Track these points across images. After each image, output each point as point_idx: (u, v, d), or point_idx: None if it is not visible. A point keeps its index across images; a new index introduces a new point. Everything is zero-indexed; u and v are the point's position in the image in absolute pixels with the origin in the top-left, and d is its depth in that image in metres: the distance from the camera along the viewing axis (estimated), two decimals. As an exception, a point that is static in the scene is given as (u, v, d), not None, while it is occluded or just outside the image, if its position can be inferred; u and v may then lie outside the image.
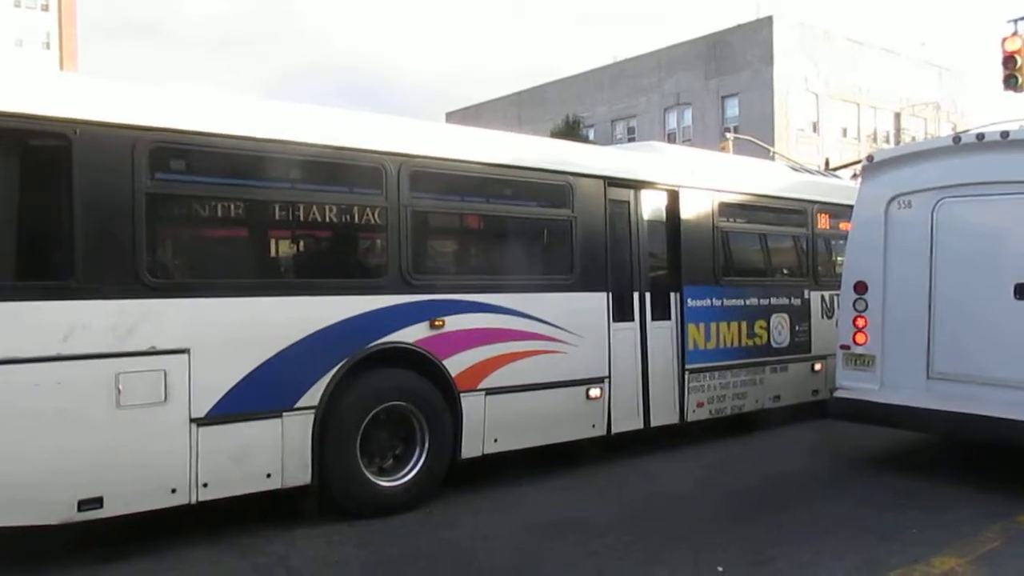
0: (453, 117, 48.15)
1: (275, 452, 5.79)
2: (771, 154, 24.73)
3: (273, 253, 6.50)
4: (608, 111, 42.31)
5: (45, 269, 5.16)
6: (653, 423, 8.24)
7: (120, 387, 5.14)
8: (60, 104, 5.12)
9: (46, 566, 5.22)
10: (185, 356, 5.40)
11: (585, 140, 37.19)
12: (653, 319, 8.33)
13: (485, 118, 41.66)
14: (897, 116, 40.56)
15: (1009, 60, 15.66)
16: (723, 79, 37.24)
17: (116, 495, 5.16)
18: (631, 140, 38.41)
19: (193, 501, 5.45)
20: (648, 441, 8.38)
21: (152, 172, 5.42)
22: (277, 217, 6.21)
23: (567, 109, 42.43)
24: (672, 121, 39.86)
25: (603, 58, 70.22)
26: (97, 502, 5.09)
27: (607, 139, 39.45)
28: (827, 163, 25.08)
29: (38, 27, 58.33)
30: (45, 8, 58.79)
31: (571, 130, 39.19)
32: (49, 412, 4.93)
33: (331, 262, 6.69)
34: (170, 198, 5.70)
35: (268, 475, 5.77)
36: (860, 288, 7.74)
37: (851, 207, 8.25)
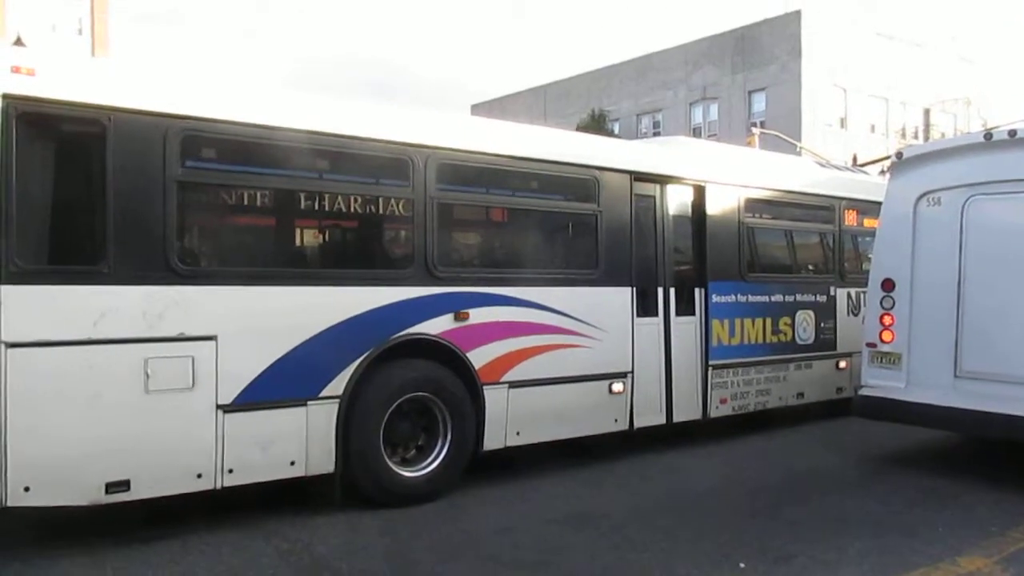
0: (478, 110, 48.14)
1: (300, 440, 5.84)
2: (798, 149, 24.53)
3: (300, 243, 6.56)
4: (634, 105, 42.11)
5: (78, 254, 5.25)
6: (676, 419, 8.23)
7: (149, 372, 5.22)
8: (95, 91, 5.19)
9: (73, 547, 5.30)
10: (213, 343, 5.47)
11: (610, 134, 37.07)
12: (677, 314, 8.31)
13: (510, 111, 41.63)
14: (927, 112, 40.06)
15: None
16: (750, 73, 36.95)
17: (143, 478, 5.24)
18: (656, 134, 38.23)
19: (218, 486, 5.52)
20: (670, 436, 8.36)
21: (183, 160, 5.48)
22: (304, 207, 6.26)
23: (592, 103, 42.31)
24: (698, 115, 39.62)
25: (629, 52, 69.90)
26: (124, 485, 5.17)
27: (632, 133, 39.31)
28: (855, 159, 24.85)
29: (71, 13, 58.94)
30: (79, -6, 59.30)
31: (596, 124, 39.08)
32: (79, 395, 5.02)
33: (358, 253, 6.73)
34: (200, 186, 5.76)
35: (292, 462, 5.83)
36: (887, 286, 7.67)
37: (879, 204, 8.18)
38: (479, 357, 6.70)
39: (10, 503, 4.84)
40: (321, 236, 6.66)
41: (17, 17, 48.08)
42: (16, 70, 4.93)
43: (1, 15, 49.34)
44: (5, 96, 4.85)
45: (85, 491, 5.08)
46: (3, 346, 4.79)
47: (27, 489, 4.87)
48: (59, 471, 4.99)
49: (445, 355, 6.56)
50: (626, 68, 43.03)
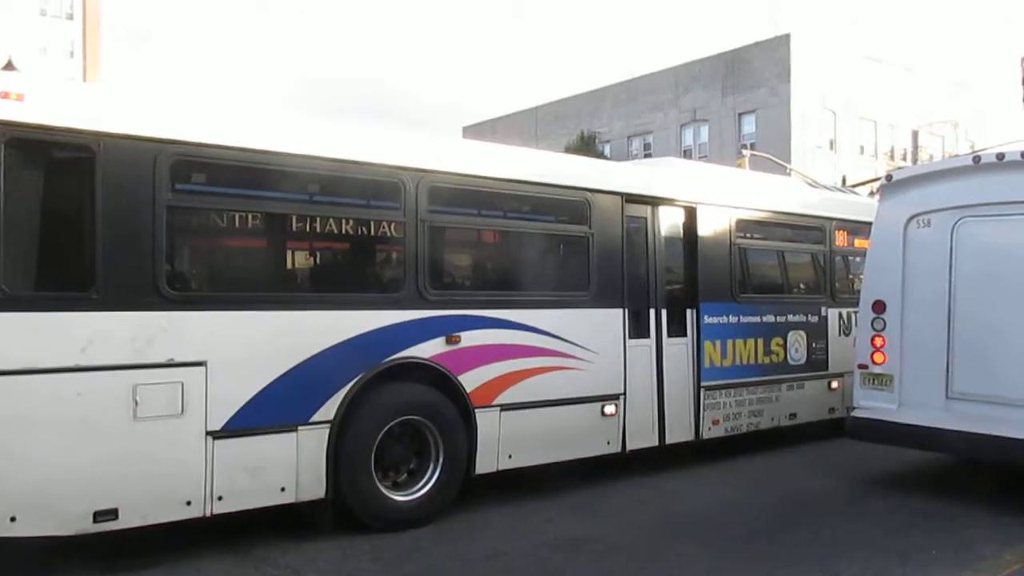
0: (470, 131, 48.33)
1: (290, 466, 5.79)
2: (788, 171, 24.67)
3: (291, 267, 6.52)
4: (624, 127, 42.36)
5: (67, 280, 5.20)
6: (668, 440, 8.20)
7: (138, 399, 5.17)
8: (84, 116, 5.16)
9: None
10: (202, 369, 5.42)
11: (601, 156, 37.25)
12: (669, 336, 8.30)
13: (501, 132, 41.82)
14: (915, 134, 40.41)
15: (1029, 79, 15.59)
16: (740, 96, 37.23)
17: (131, 507, 5.18)
18: (647, 156, 38.44)
19: (208, 514, 5.46)
20: (663, 459, 8.33)
21: (173, 184, 5.46)
22: (295, 231, 6.24)
23: (583, 124, 42.55)
24: (688, 137, 39.86)
25: (620, 74, 70.37)
26: (112, 513, 5.10)
27: (623, 155, 39.49)
28: (844, 180, 25.04)
29: (63, 36, 59.04)
30: (70, 17, 59.49)
31: (587, 145, 39.33)
32: (67, 423, 4.96)
33: (348, 276, 6.70)
34: (190, 211, 5.74)
35: (283, 489, 5.77)
36: (878, 307, 7.69)
37: (869, 224, 8.21)
38: (471, 380, 6.67)
39: (-4, 533, 4.78)
40: (312, 260, 6.64)
41: (7, 40, 48.24)
42: (5, 95, 4.90)
43: (-8, 39, 49.45)
44: None
45: (73, 520, 5.01)
46: None
47: (13, 519, 4.80)
48: (46, 500, 4.93)
49: (437, 378, 6.53)
50: (617, 90, 43.33)
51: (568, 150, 35.18)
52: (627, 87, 42.81)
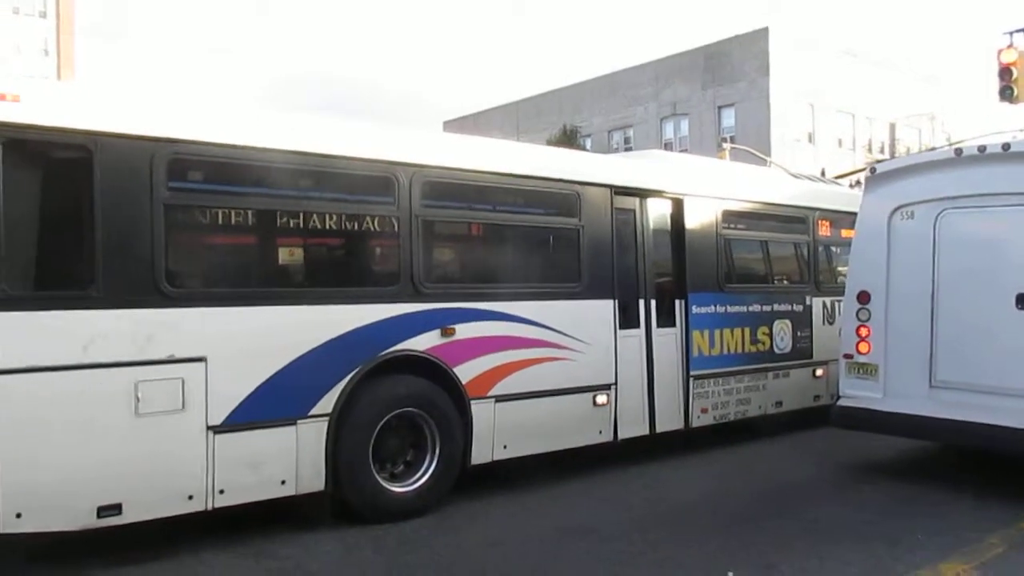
0: (451, 126, 48.22)
1: (290, 459, 5.86)
2: (768, 164, 24.88)
3: (288, 262, 6.56)
4: (605, 121, 42.46)
5: (67, 279, 5.23)
6: (659, 429, 8.32)
7: (139, 395, 5.21)
8: (80, 116, 5.19)
9: (67, 570, 5.27)
10: (202, 364, 5.48)
11: (582, 149, 37.32)
12: (658, 326, 8.42)
13: (482, 127, 41.80)
14: (892, 126, 40.80)
15: (1005, 72, 15.81)
16: (719, 89, 37.43)
17: (134, 502, 5.23)
18: (628, 149, 38.54)
19: (209, 507, 5.52)
20: (654, 447, 8.45)
21: (169, 183, 5.50)
22: (291, 227, 6.28)
23: (564, 119, 42.58)
24: (669, 131, 40.03)
25: (600, 68, 70.50)
26: (116, 508, 5.16)
27: (604, 149, 39.60)
28: (823, 172, 25.23)
29: (36, 34, 58.40)
30: (43, 15, 58.85)
31: (568, 140, 39.33)
32: (70, 420, 5.00)
33: (344, 271, 6.76)
34: (187, 208, 5.78)
35: (283, 482, 5.84)
36: (863, 298, 7.82)
37: (852, 214, 8.34)
38: (466, 372, 6.76)
39: (2, 530, 4.81)
40: (308, 255, 6.67)
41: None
42: (2, 97, 4.92)
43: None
44: None
45: (77, 516, 5.06)
46: None
47: (19, 515, 4.85)
48: (50, 496, 4.97)
49: (432, 371, 6.61)
50: (597, 84, 43.40)
51: (550, 144, 35.03)
52: (608, 81, 42.89)
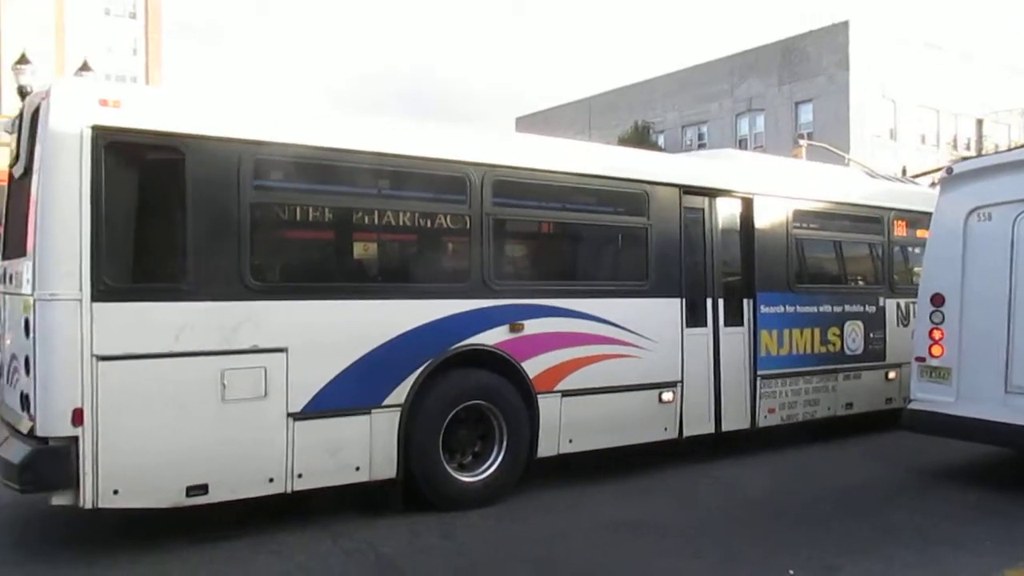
0: (523, 122, 48.46)
1: (364, 446, 6.12)
2: (846, 161, 24.37)
3: (364, 258, 6.86)
4: (679, 117, 42.07)
5: (160, 272, 5.61)
6: (724, 428, 8.35)
7: (225, 383, 5.54)
8: (174, 120, 5.55)
9: (156, 546, 5.62)
10: (283, 355, 5.77)
11: (655, 146, 37.13)
12: (726, 325, 8.44)
13: (554, 123, 41.88)
14: (979, 122, 39.40)
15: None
16: (797, 85, 36.73)
17: (220, 483, 5.56)
18: (701, 146, 38.16)
19: (289, 491, 5.82)
20: (718, 447, 8.49)
21: (255, 182, 5.81)
22: (368, 224, 6.56)
23: (637, 115, 42.36)
24: (744, 127, 39.45)
25: (674, 64, 69.79)
26: (203, 489, 5.49)
27: (677, 145, 39.29)
28: (904, 170, 24.61)
29: (126, 34, 60.69)
30: (132, 16, 61.11)
31: (640, 136, 39.14)
32: (163, 404, 5.35)
33: (418, 267, 7.00)
34: (271, 206, 6.09)
35: (357, 468, 6.11)
36: (937, 300, 7.71)
37: (929, 214, 8.22)
38: (533, 367, 6.93)
39: (101, 505, 5.18)
40: (384, 252, 6.95)
41: (79, 40, 49.82)
42: (104, 103, 5.30)
43: (61, 41, 51.07)
44: (95, 127, 5.22)
45: (168, 494, 5.41)
46: (94, 359, 5.14)
47: (116, 492, 5.21)
48: (145, 476, 5.33)
49: (501, 365, 6.80)
50: (671, 80, 43.02)
51: (622, 140, 35.10)
52: (681, 77, 42.48)
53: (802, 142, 26.72)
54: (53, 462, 5.10)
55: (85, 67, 17.16)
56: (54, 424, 5.10)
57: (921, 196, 10.73)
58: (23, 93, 15.70)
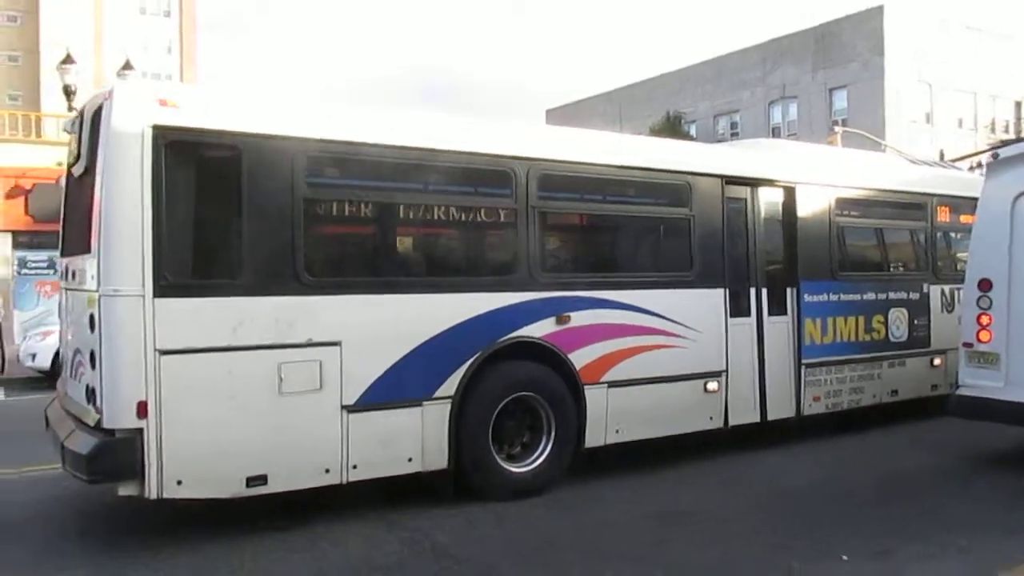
0: (553, 115, 48.45)
1: (416, 438, 6.23)
2: (882, 147, 24.10)
3: (414, 253, 6.96)
4: (710, 106, 41.85)
5: (218, 268, 5.76)
6: (769, 416, 8.37)
7: (282, 375, 5.67)
8: (230, 120, 5.70)
9: (219, 535, 5.77)
10: (337, 348, 5.90)
11: (686, 136, 36.94)
12: (770, 314, 8.45)
13: (584, 115, 41.86)
14: (1018, 105, 38.74)
15: None
16: (830, 71, 36.36)
17: (278, 473, 5.70)
18: (734, 135, 37.96)
19: (344, 481, 5.95)
20: (763, 436, 8.50)
21: (308, 179, 5.94)
22: (417, 220, 6.69)
23: (668, 105, 42.19)
24: (777, 115, 39.15)
25: (704, 53, 69.21)
26: (263, 479, 5.64)
27: (709, 134, 39.07)
28: (942, 155, 24.29)
29: (162, 33, 61.43)
30: (167, 14, 61.82)
31: (672, 126, 38.96)
32: (222, 397, 5.50)
33: (466, 261, 7.10)
34: (324, 203, 6.22)
35: (410, 459, 6.22)
36: (984, 285, 7.66)
37: (972, 199, 8.16)
38: (580, 358, 7.00)
39: (166, 495, 5.34)
40: (433, 247, 7.06)
41: (118, 39, 50.56)
42: (163, 103, 5.46)
43: (99, 40, 51.90)
44: (155, 127, 5.36)
45: (229, 484, 5.56)
46: (157, 353, 5.29)
47: (180, 483, 5.36)
48: (207, 467, 5.48)
49: (548, 357, 6.87)
50: (702, 69, 42.79)
51: (653, 131, 34.97)
52: (713, 65, 42.23)
53: (837, 129, 26.45)
54: (120, 454, 5.26)
55: (128, 66, 17.47)
56: (120, 416, 5.26)
57: (963, 181, 10.64)
58: (68, 92, 16.07)
